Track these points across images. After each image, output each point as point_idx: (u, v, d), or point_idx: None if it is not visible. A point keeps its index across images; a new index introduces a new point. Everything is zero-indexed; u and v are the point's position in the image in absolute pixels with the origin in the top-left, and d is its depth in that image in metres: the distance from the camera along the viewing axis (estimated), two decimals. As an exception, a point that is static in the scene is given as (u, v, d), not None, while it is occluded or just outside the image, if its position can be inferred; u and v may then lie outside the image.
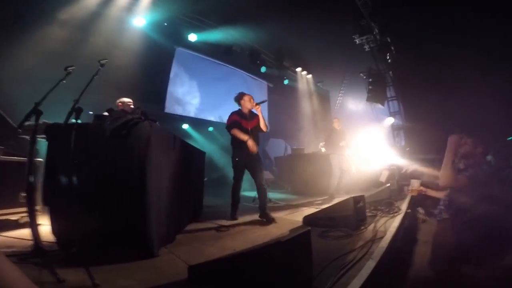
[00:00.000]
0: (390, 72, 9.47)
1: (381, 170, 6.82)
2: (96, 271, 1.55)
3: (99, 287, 1.41)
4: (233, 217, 3.59)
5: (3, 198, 2.60)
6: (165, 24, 6.94)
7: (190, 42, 7.68)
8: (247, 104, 3.75)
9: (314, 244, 2.43)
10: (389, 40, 8.46)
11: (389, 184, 5.12)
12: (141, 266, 1.79)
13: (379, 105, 9.33)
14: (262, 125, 3.71)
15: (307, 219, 3.26)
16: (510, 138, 3.42)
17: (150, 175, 2.08)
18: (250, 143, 3.55)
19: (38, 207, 2.62)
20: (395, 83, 9.57)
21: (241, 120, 3.69)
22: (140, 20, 6.37)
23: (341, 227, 2.90)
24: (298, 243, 1.34)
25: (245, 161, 3.62)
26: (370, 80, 9.00)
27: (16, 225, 2.68)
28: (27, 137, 2.50)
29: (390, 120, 9.83)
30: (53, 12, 4.80)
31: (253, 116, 3.77)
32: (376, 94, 8.97)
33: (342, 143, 5.83)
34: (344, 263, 1.89)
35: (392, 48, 8.68)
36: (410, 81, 8.85)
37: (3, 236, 2.36)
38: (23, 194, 2.58)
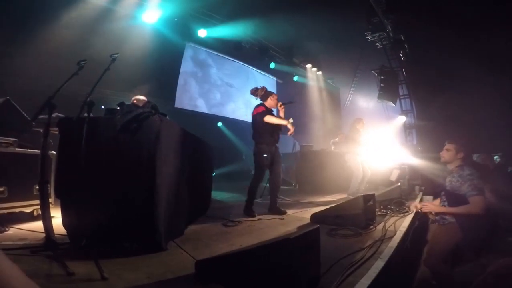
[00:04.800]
0: (403, 70, 9.25)
1: (391, 169, 6.70)
2: (105, 264, 1.57)
3: (107, 280, 1.42)
4: (252, 214, 3.48)
5: (18, 190, 2.64)
6: (176, 19, 6.96)
7: (200, 37, 7.70)
8: (272, 103, 3.72)
9: (322, 242, 2.40)
10: (402, 37, 8.26)
11: (399, 184, 5.02)
12: (149, 260, 1.80)
13: (391, 103, 9.14)
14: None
15: (315, 217, 3.23)
16: None
17: (160, 169, 2.09)
18: (291, 126, 3.51)
19: (51, 200, 2.70)
20: (408, 81, 9.35)
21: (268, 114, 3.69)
22: (151, 16, 6.39)
23: (349, 225, 2.86)
24: (307, 240, 1.33)
25: (271, 155, 3.58)
26: (382, 77, 8.81)
27: (30, 217, 2.74)
28: (41, 130, 2.56)
29: (402, 119, 9.63)
30: (65, 10, 4.90)
31: (273, 114, 3.77)
32: (387, 92, 8.78)
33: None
34: (352, 262, 1.86)
35: (406, 45, 8.48)
36: (423, 79, 8.65)
37: (17, 228, 2.41)
38: (37, 187, 2.63)
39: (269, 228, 2.96)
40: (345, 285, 1.54)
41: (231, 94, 9.56)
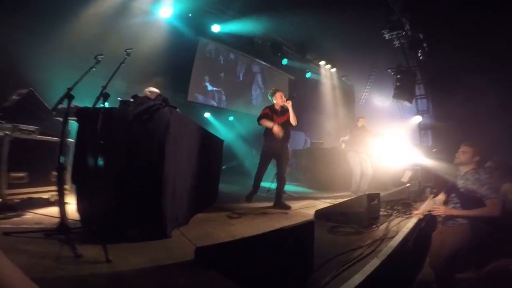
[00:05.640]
0: (421, 70, 8.97)
1: (403, 170, 6.58)
2: (112, 248, 1.67)
3: (111, 263, 1.53)
4: (248, 199, 4.02)
5: (37, 176, 2.79)
6: (190, 15, 7.06)
7: (213, 33, 7.75)
8: (278, 101, 4.06)
9: (322, 238, 2.49)
10: (421, 36, 7.99)
11: (408, 184, 4.94)
12: (153, 245, 1.91)
13: (407, 103, 8.92)
14: (291, 119, 3.97)
15: (319, 213, 3.26)
16: None
17: (168, 159, 2.18)
18: (276, 129, 3.85)
19: (67, 186, 2.85)
20: (426, 80, 9.05)
21: (272, 114, 4.04)
22: (166, 11, 6.51)
23: (352, 223, 2.88)
24: (300, 233, 1.38)
25: (273, 151, 3.97)
26: (398, 76, 8.60)
27: (47, 203, 2.89)
28: (60, 119, 2.71)
29: (418, 119, 9.38)
30: (85, 7, 5.11)
31: (283, 112, 4.07)
32: (403, 91, 8.57)
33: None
34: (349, 259, 1.90)
35: (425, 45, 8.20)
36: (442, 79, 8.36)
37: (34, 213, 2.57)
38: (55, 173, 2.79)
39: (272, 221, 3.02)
40: (338, 280, 1.58)
41: (242, 89, 9.61)
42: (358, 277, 1.60)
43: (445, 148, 7.83)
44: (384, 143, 6.21)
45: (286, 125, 3.99)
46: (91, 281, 1.36)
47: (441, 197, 2.94)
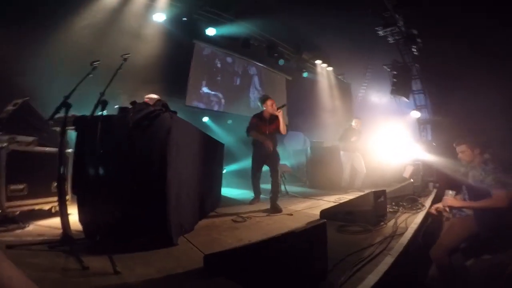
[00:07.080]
0: (417, 65, 8.99)
1: (405, 165, 6.56)
2: (118, 258, 1.62)
3: (120, 274, 1.47)
4: (251, 202, 4.03)
5: (38, 188, 2.73)
6: (184, 19, 7.02)
7: (209, 36, 7.71)
8: (269, 109, 3.97)
9: (330, 238, 2.39)
10: (415, 32, 8.00)
11: (412, 180, 4.92)
12: (160, 254, 1.85)
13: (404, 99, 8.92)
14: (281, 128, 3.94)
15: (325, 213, 3.22)
16: None
17: (171, 165, 2.13)
18: (267, 144, 3.80)
19: (68, 197, 2.79)
20: (422, 75, 9.07)
21: (260, 123, 3.99)
22: (160, 16, 6.46)
23: (360, 222, 2.84)
24: (312, 235, 1.34)
25: (263, 158, 3.95)
26: (395, 72, 8.61)
27: (49, 214, 2.83)
28: (58, 129, 2.66)
29: (416, 114, 9.39)
30: (79, 11, 5.06)
31: (273, 119, 3.98)
32: (400, 87, 8.57)
33: (353, 138, 5.81)
34: (361, 258, 1.86)
35: (419, 40, 8.21)
36: (439, 74, 8.38)
37: (36, 225, 2.52)
38: (55, 184, 2.72)
39: (277, 224, 2.97)
40: (353, 280, 1.54)
41: (240, 92, 9.57)
42: (374, 277, 1.56)
43: (444, 142, 7.83)
44: (376, 142, 6.29)
45: (275, 133, 3.99)
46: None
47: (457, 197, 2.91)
